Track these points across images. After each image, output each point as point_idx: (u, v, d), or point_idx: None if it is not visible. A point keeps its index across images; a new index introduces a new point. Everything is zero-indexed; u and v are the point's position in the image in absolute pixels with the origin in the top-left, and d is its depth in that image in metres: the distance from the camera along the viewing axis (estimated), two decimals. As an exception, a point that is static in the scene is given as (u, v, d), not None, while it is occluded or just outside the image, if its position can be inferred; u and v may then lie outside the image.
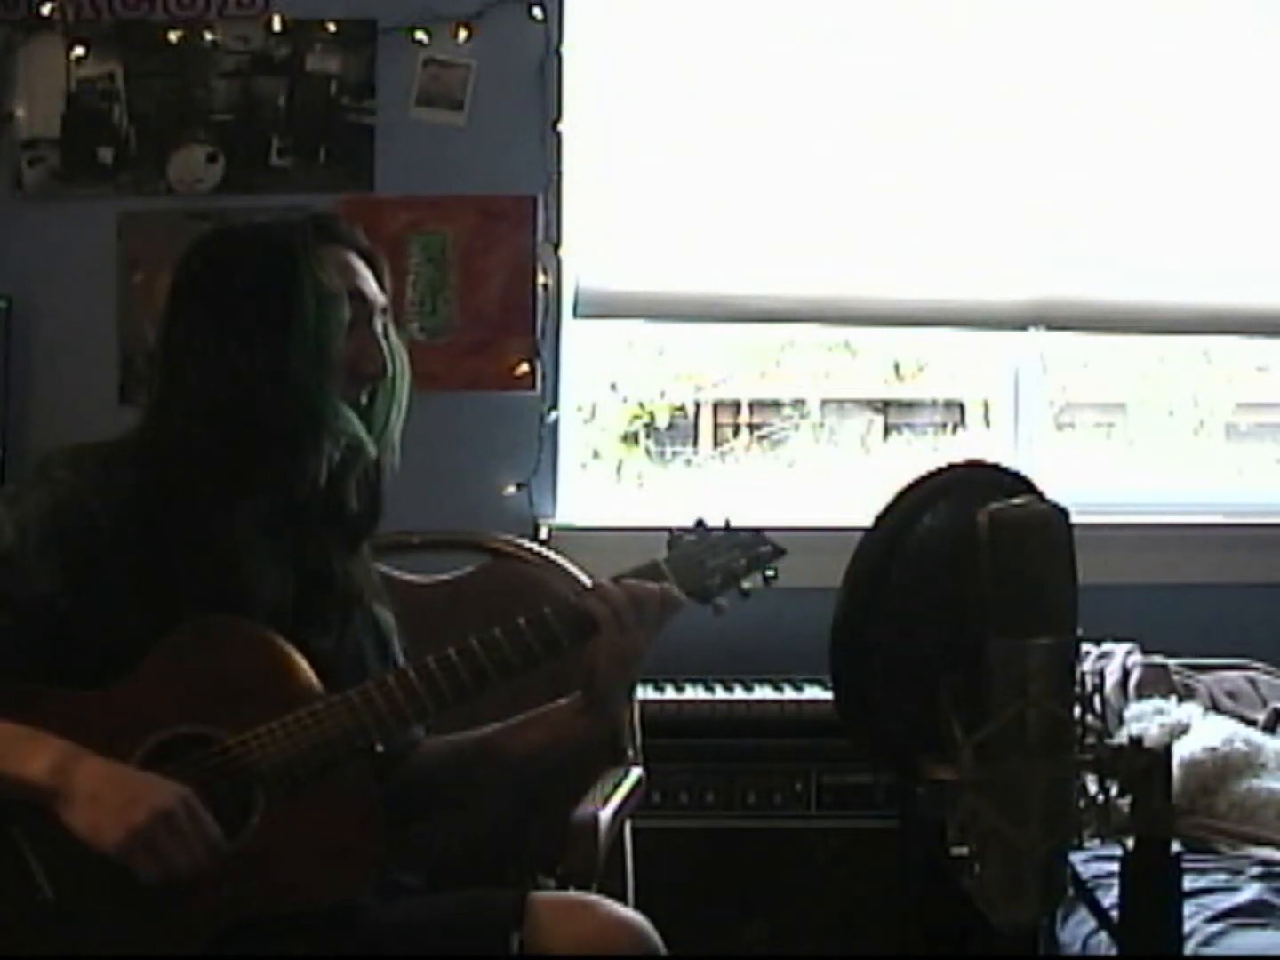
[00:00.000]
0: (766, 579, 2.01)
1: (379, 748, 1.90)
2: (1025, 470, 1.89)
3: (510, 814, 2.34)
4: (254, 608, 1.88)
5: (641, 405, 3.80)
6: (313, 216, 1.99)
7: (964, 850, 1.72)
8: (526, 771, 2.07)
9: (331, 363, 1.90)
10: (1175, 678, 3.16)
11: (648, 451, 3.80)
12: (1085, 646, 2.23)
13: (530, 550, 2.66)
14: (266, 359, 1.87)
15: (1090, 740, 1.76)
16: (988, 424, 3.74)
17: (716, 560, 1.98)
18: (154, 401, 1.94)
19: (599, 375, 3.67)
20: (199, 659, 1.84)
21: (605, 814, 2.18)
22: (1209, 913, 2.40)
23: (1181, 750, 2.80)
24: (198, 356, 1.88)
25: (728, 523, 2.01)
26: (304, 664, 1.87)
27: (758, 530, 2.02)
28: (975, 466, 1.91)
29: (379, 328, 1.97)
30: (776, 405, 3.90)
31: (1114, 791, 1.75)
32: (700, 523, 2.01)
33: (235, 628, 1.86)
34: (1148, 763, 1.73)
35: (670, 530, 2.00)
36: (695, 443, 3.89)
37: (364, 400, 1.95)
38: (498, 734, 2.05)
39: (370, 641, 2.02)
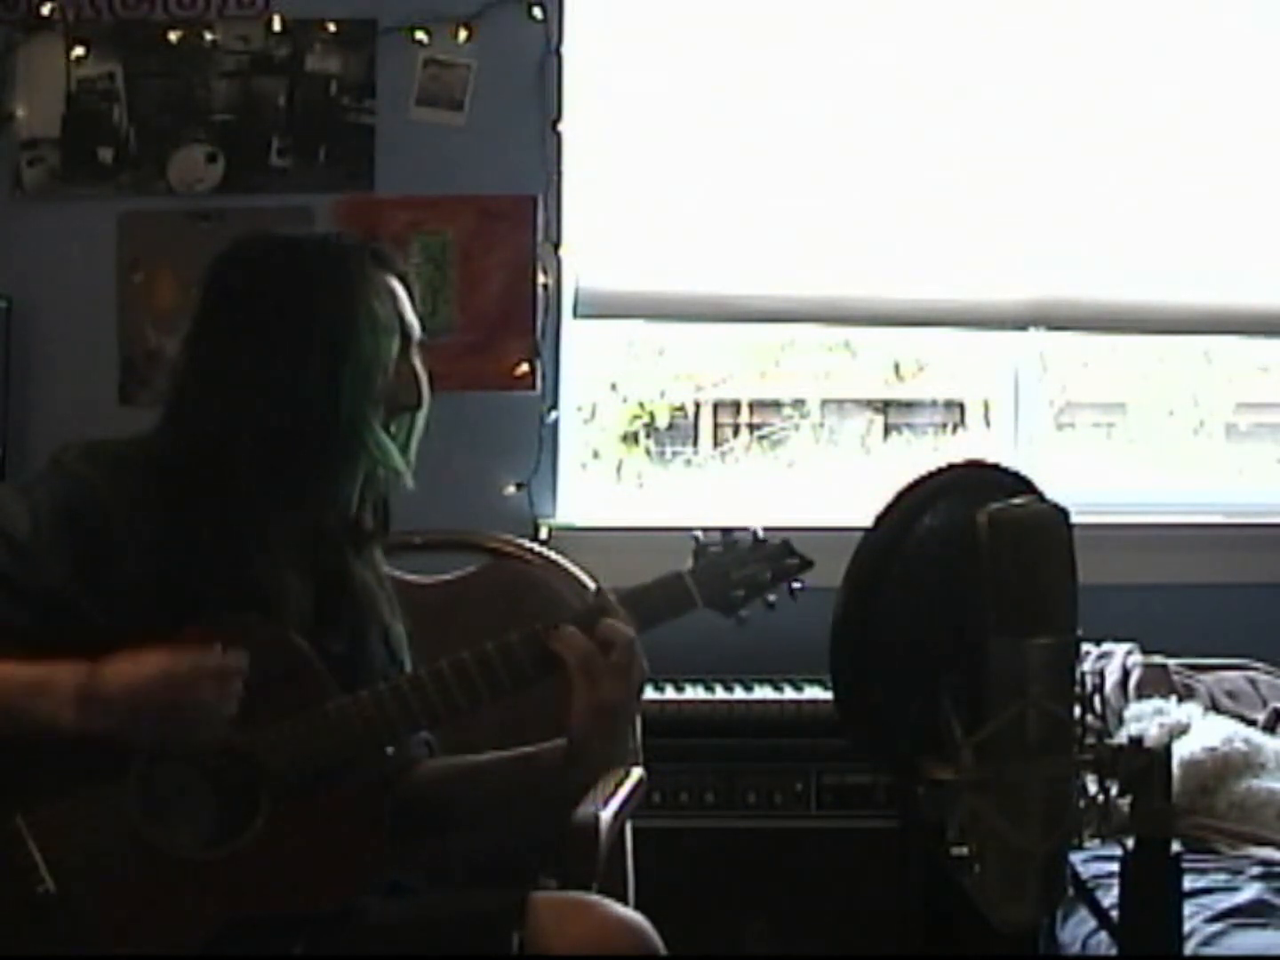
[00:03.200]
0: (792, 591, 1.97)
1: (389, 750, 1.90)
2: (1025, 470, 1.89)
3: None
4: (274, 613, 1.88)
5: (641, 405, 3.80)
6: (364, 241, 1.98)
7: (964, 850, 1.72)
8: (509, 805, 2.05)
9: (376, 394, 1.90)
10: (1175, 678, 3.16)
11: (648, 451, 3.80)
12: (1085, 646, 2.23)
13: (530, 550, 2.66)
14: (318, 384, 1.86)
15: (1090, 740, 1.76)
16: (988, 424, 3.74)
17: (742, 572, 1.94)
18: (183, 405, 1.92)
19: (599, 375, 3.67)
20: None
21: (605, 814, 2.18)
22: (1209, 913, 2.40)
23: (1181, 750, 2.80)
24: (242, 369, 1.87)
25: (755, 533, 1.97)
26: (320, 664, 1.87)
27: (785, 541, 1.98)
28: (975, 466, 1.91)
29: (414, 357, 1.97)
30: (776, 405, 3.90)
31: (1114, 791, 1.75)
32: (727, 531, 1.97)
33: (251, 626, 1.86)
34: (1148, 763, 1.73)
35: (695, 539, 1.96)
36: (695, 443, 3.89)
37: (393, 428, 1.95)
38: (487, 764, 2.03)
39: (382, 650, 2.02)
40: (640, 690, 1.90)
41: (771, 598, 1.96)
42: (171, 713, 1.73)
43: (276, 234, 2.03)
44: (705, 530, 1.98)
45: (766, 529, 2.00)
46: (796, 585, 1.97)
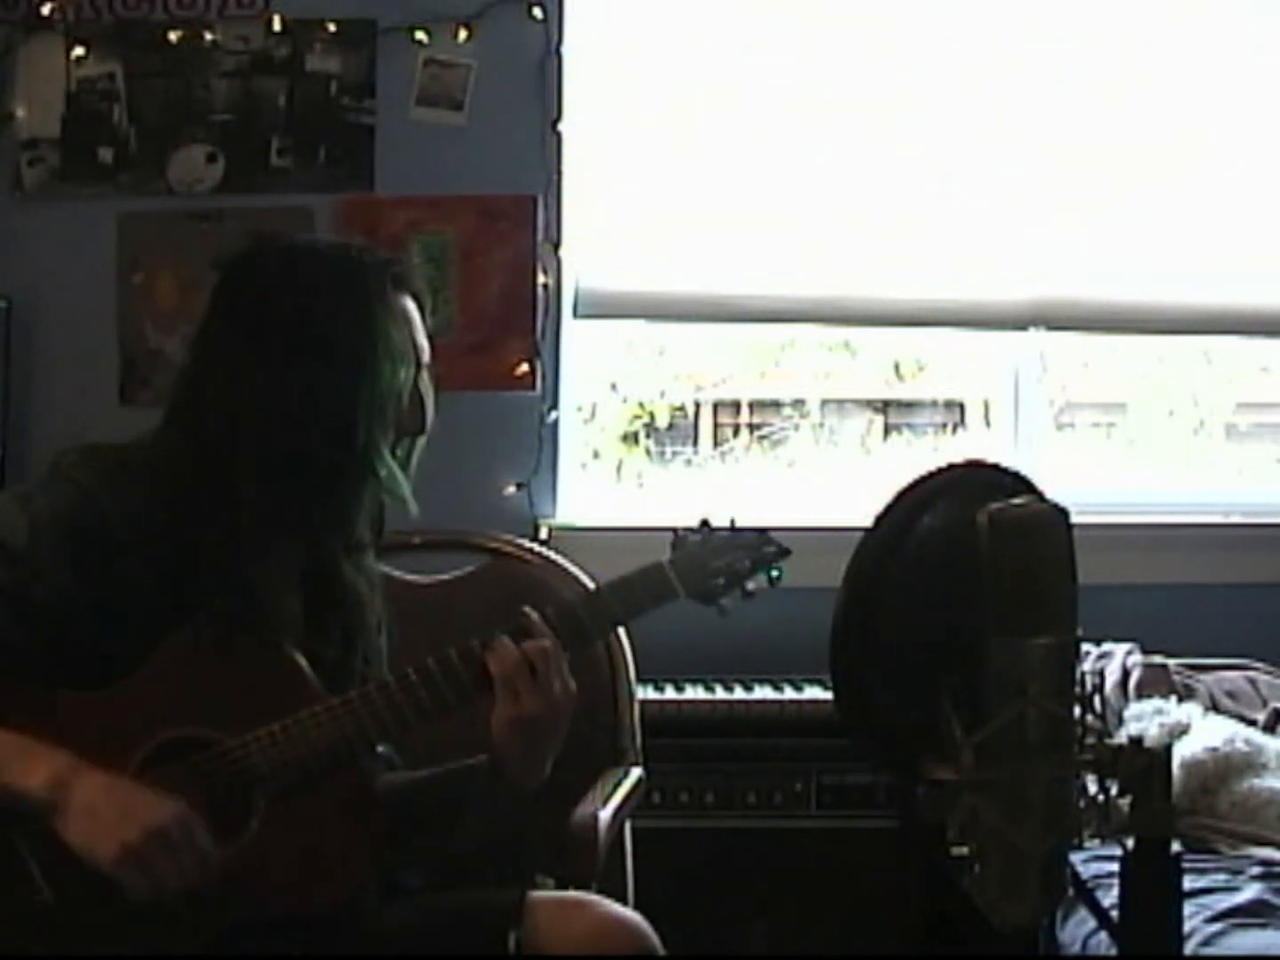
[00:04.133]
0: (771, 580, 1.97)
1: (380, 749, 1.90)
2: (1025, 470, 1.89)
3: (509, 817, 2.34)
4: (269, 623, 1.87)
5: (641, 405, 3.79)
6: (386, 262, 1.94)
7: (964, 850, 1.72)
8: (454, 817, 2.00)
9: (388, 421, 1.89)
10: (1175, 678, 3.16)
11: (648, 451, 3.80)
12: (1085, 646, 2.23)
13: (530, 550, 2.66)
14: (332, 413, 1.85)
15: (1090, 740, 1.76)
16: (988, 424, 3.74)
17: (720, 561, 1.94)
18: (188, 413, 1.90)
19: (599, 375, 3.67)
20: (204, 661, 1.83)
21: (605, 814, 2.18)
22: (1209, 913, 2.40)
23: (1182, 750, 2.80)
24: (255, 387, 1.85)
25: (733, 523, 1.98)
26: (309, 669, 1.86)
27: (763, 530, 1.98)
28: (975, 466, 1.91)
29: (424, 382, 1.95)
30: (776, 405, 3.89)
31: (1114, 791, 1.75)
32: (705, 523, 1.97)
33: (243, 634, 1.85)
34: (1148, 763, 1.73)
35: (674, 530, 1.96)
36: (695, 443, 3.89)
37: (397, 451, 1.94)
38: (428, 779, 2.00)
39: (373, 654, 2.01)
40: (565, 710, 1.85)
41: (750, 586, 1.95)
42: (131, 834, 1.69)
43: (294, 243, 1.99)
44: (684, 527, 1.98)
45: (766, 529, 2.01)
46: (775, 574, 1.97)
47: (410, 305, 1.94)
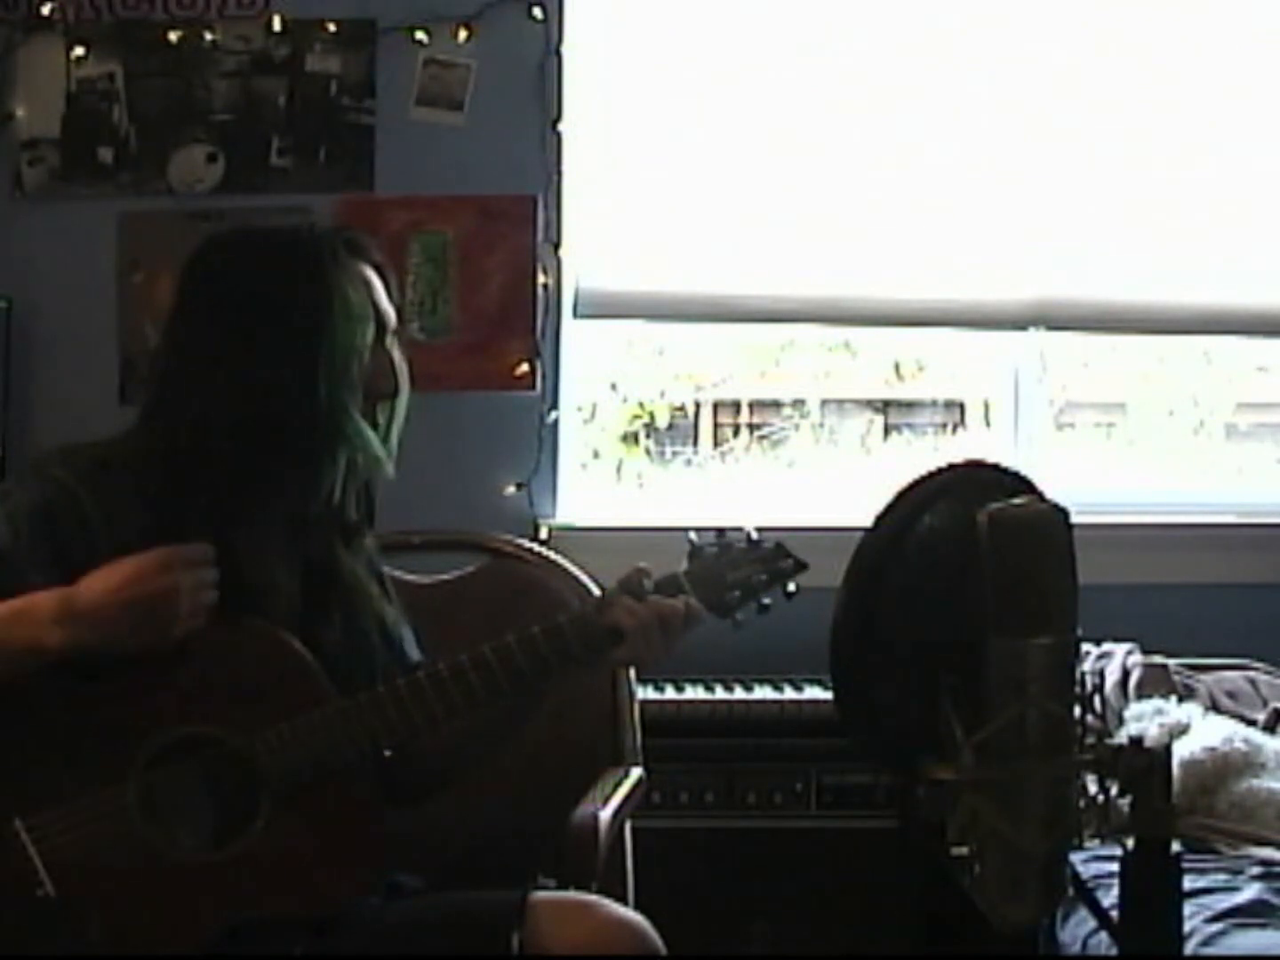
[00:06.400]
0: (787, 594, 1.97)
1: (386, 753, 1.90)
2: (1025, 470, 1.89)
3: (510, 813, 2.34)
4: (262, 606, 1.88)
5: (641, 405, 3.80)
6: (338, 230, 1.99)
7: (964, 850, 1.72)
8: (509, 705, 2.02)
9: (353, 381, 1.90)
10: (1175, 678, 3.16)
11: (648, 451, 3.80)
12: (1085, 646, 2.23)
13: (530, 550, 2.66)
14: (294, 375, 1.87)
15: (1090, 740, 1.76)
16: (988, 424, 3.74)
17: (737, 574, 1.94)
18: (163, 403, 1.92)
19: (599, 375, 3.67)
20: (210, 658, 1.83)
21: (605, 814, 2.18)
22: (1209, 913, 2.40)
23: (1181, 750, 2.80)
24: (219, 364, 1.87)
25: (749, 535, 1.98)
26: (316, 665, 1.87)
27: (780, 543, 1.98)
28: (975, 466, 1.91)
29: (391, 345, 1.97)
30: (776, 405, 3.90)
31: (1114, 791, 1.75)
32: (722, 533, 1.97)
33: (247, 627, 1.86)
34: (1148, 763, 1.73)
35: (690, 540, 1.96)
36: (695, 443, 3.89)
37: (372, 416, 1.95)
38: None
39: (377, 637, 2.02)
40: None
41: (766, 600, 1.96)
42: (150, 606, 1.74)
43: (250, 226, 2.04)
44: (699, 530, 1.98)
45: (766, 529, 2.00)
46: (791, 589, 1.97)
47: (369, 271, 1.96)
